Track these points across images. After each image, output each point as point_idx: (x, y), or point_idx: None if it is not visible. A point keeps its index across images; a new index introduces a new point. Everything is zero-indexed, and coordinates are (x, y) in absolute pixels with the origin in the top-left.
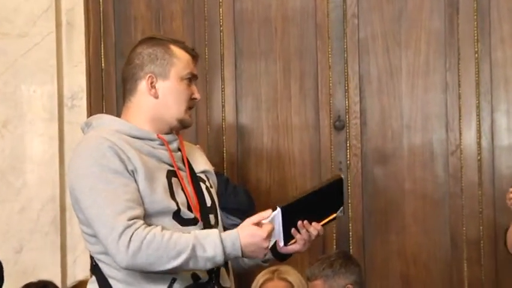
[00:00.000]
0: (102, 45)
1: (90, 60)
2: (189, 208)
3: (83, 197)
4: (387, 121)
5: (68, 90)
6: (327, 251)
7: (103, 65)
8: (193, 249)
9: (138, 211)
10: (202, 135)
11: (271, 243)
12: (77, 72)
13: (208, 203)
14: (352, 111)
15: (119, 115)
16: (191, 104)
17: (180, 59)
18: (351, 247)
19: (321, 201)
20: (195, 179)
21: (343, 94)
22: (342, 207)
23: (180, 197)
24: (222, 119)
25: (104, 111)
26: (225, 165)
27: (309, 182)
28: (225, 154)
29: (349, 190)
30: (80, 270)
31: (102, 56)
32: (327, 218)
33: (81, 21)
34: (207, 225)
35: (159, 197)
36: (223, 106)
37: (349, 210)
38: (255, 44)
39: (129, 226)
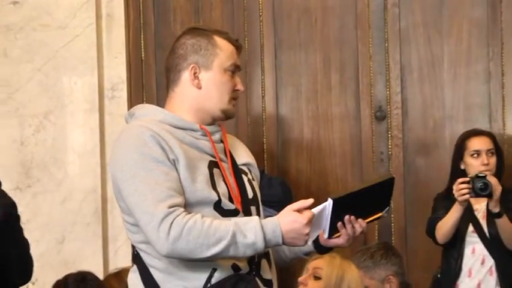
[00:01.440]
0: (142, 36)
1: (130, 51)
2: (231, 199)
3: (124, 185)
4: (429, 111)
5: (108, 81)
6: (368, 242)
7: (143, 55)
8: (234, 235)
9: (179, 199)
10: (242, 126)
11: (316, 234)
12: (117, 63)
13: (250, 194)
14: (394, 102)
15: (159, 105)
16: (234, 95)
17: (224, 50)
18: (392, 238)
19: (369, 198)
20: (237, 171)
21: (384, 84)
22: (388, 208)
23: (222, 188)
24: (262, 110)
25: (144, 101)
26: (265, 156)
27: (349, 173)
28: (265, 145)
29: None
30: (122, 261)
31: (142, 47)
32: (372, 216)
33: (120, 12)
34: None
35: (200, 187)
36: (263, 97)
37: (391, 201)
38: (295, 34)
39: (169, 213)
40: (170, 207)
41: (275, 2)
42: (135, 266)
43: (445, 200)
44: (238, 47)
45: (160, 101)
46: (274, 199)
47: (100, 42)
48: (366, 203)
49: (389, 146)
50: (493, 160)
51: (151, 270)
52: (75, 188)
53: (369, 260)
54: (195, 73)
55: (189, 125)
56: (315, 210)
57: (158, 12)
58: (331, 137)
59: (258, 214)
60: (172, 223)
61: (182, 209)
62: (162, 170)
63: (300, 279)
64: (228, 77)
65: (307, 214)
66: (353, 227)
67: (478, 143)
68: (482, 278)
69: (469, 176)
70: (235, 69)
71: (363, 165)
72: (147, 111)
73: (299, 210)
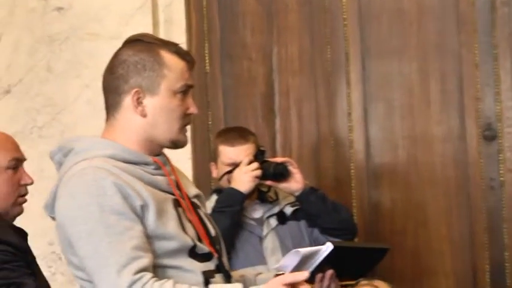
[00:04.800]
0: (206, 45)
1: None
2: (199, 240)
3: (80, 243)
4: None
5: None
6: (478, 282)
7: (207, 67)
8: None
9: (146, 260)
10: (324, 148)
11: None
12: None
13: (212, 232)
14: (505, 118)
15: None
16: (186, 121)
17: (173, 69)
18: (507, 279)
19: (358, 260)
20: (195, 207)
21: (493, 98)
22: (361, 279)
23: (189, 229)
24: (348, 130)
25: (210, 120)
26: (352, 184)
27: (454, 204)
28: (352, 171)
29: (503, 212)
30: None
31: (207, 58)
32: (346, 280)
33: (181, 18)
34: (219, 259)
35: (173, 234)
36: (349, 114)
37: (504, 237)
38: (386, 40)
39: (135, 282)
40: (136, 273)
41: (362, 2)
42: None
43: None
44: (189, 62)
45: (228, 121)
46: (343, 226)
47: None
48: (352, 264)
49: (501, 171)
50: None
51: None
52: None
53: None
54: (138, 98)
55: (142, 158)
56: (306, 250)
57: (225, 17)
58: (431, 160)
59: (221, 253)
60: None
61: (150, 275)
62: (124, 224)
63: None
64: (178, 101)
65: None
66: (329, 285)
67: None
68: None
69: None
70: (187, 90)
71: (470, 194)
72: (89, 144)
73: (293, 284)
